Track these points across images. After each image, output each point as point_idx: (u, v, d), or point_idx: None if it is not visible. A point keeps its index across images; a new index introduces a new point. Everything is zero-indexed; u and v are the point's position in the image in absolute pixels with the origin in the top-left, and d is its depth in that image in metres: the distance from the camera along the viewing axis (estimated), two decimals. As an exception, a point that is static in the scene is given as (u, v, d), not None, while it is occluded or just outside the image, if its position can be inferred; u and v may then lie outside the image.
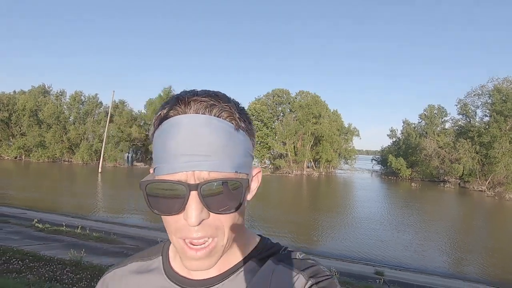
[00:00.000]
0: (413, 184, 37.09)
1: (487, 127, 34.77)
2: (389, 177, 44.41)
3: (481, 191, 32.64)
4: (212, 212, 0.41)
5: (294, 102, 49.53)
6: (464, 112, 39.49)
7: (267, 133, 48.65)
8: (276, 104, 51.93)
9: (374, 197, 26.17)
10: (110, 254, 7.36)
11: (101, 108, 47.48)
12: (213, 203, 0.40)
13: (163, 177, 0.41)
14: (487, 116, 36.19)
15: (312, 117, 44.04)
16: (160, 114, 0.43)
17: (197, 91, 0.44)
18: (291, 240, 12.67)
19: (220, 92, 0.46)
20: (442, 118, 49.62)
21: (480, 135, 34.79)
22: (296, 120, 44.49)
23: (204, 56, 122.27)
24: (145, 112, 49.11)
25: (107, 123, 38.41)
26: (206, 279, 0.48)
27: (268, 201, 22.41)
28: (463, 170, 35.43)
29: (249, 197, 0.49)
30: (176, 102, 0.42)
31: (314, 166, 47.84)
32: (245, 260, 0.50)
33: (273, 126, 49.71)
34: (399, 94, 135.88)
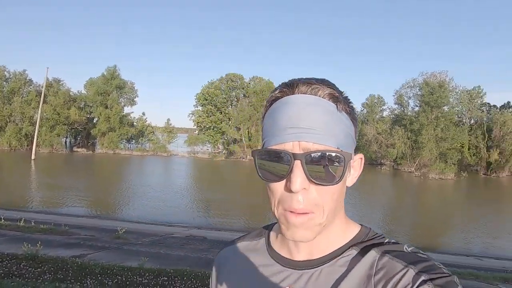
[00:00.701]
0: (356, 167, 40.83)
1: (417, 116, 39.48)
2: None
3: (410, 172, 37.45)
4: (313, 183, 0.44)
5: (248, 87, 49.71)
6: (399, 102, 44.20)
7: (221, 118, 48.32)
8: (229, 89, 51.47)
9: None
10: (66, 246, 6.86)
11: (31, 87, 41.69)
12: (315, 174, 0.43)
13: (271, 147, 0.45)
14: (417, 106, 41.00)
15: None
16: (272, 96, 0.49)
17: (304, 78, 0.49)
18: (247, 222, 13.24)
19: (326, 79, 0.49)
20: (381, 107, 54.72)
21: (411, 123, 39.44)
22: (251, 106, 44.88)
23: (151, 33, 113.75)
24: (85, 93, 44.58)
25: (40, 104, 34.07)
26: (306, 260, 0.50)
27: (224, 185, 22.70)
28: (397, 154, 40.02)
29: (349, 182, 0.51)
30: (285, 86, 0.48)
31: (267, 151, 49.15)
32: (346, 246, 0.51)
33: (227, 111, 49.47)
34: (349, 85, 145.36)
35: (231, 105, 51.24)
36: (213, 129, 49.20)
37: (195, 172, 30.21)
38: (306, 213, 0.44)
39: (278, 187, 0.45)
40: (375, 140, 44.69)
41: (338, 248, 0.50)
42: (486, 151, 39.46)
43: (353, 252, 0.50)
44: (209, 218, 14.04)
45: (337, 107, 0.46)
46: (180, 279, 4.53)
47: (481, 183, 34.26)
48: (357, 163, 0.52)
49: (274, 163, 0.45)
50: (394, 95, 45.01)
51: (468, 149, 40.22)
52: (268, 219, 14.37)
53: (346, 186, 0.50)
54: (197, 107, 50.52)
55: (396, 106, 45.52)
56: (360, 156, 0.52)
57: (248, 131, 45.54)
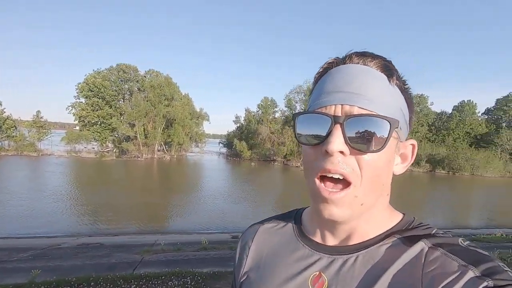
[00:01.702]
0: (252, 163, 43.95)
1: (302, 118, 45.89)
2: (234, 158, 50.24)
3: (297, 166, 43.06)
4: (351, 148, 0.40)
5: (144, 81, 46.11)
6: (289, 105, 50.14)
7: (111, 113, 43.13)
8: (121, 81, 46.47)
9: (220, 176, 29.32)
10: None
11: None
12: (355, 139, 0.40)
13: (314, 111, 0.43)
14: (302, 109, 47.52)
15: (164, 99, 42.72)
16: (322, 67, 0.47)
17: (360, 50, 0.46)
18: (140, 222, 12.65)
19: (382, 56, 0.46)
20: (273, 109, 60.47)
21: (298, 124, 45.55)
22: (147, 101, 41.80)
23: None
24: None
25: None
26: (340, 246, 0.46)
27: (115, 187, 20.58)
28: (287, 151, 45.31)
29: (397, 170, 0.47)
30: (338, 58, 0.46)
31: (165, 149, 46.94)
32: (388, 233, 0.46)
33: (118, 106, 44.54)
34: (245, 90, 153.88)
35: (123, 99, 46.33)
36: (100, 124, 43.33)
37: (78, 175, 25.98)
38: (340, 180, 0.41)
39: (314, 151, 0.43)
40: (269, 138, 49.22)
41: (379, 235, 0.46)
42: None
43: (396, 240, 0.44)
44: (101, 224, 12.55)
45: (389, 79, 0.44)
46: (87, 285, 4.10)
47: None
48: (408, 150, 0.47)
49: (314, 127, 0.42)
50: (284, 99, 50.69)
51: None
52: (166, 217, 14.14)
53: (395, 174, 0.46)
54: (79, 98, 43.43)
55: (286, 108, 51.42)
56: (411, 142, 0.47)
57: (144, 128, 42.27)
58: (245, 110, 60.81)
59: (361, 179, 0.41)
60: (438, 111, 58.83)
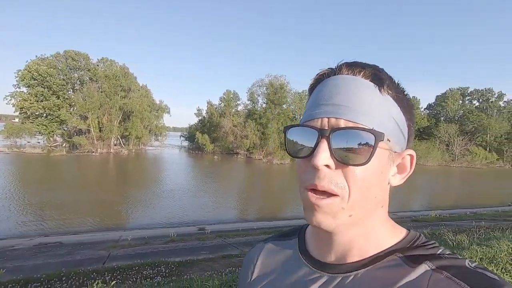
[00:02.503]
0: (215, 156, 43.84)
1: (264, 111, 46.59)
2: (196, 152, 49.54)
3: (260, 159, 44.03)
4: (337, 161, 0.40)
5: (96, 70, 43.04)
6: (251, 99, 50.58)
7: (58, 104, 39.68)
8: (70, 69, 42.82)
9: (182, 170, 28.88)
10: None
11: None
12: (341, 152, 0.40)
13: (302, 124, 0.43)
14: (265, 103, 48.29)
15: (121, 90, 40.42)
16: (314, 79, 0.47)
17: (352, 61, 0.45)
18: (100, 220, 12.27)
19: (376, 65, 0.45)
20: (236, 102, 60.48)
21: (260, 117, 46.23)
22: (102, 92, 39.19)
23: None
24: None
25: None
26: (339, 264, 0.45)
27: (67, 184, 19.33)
28: (250, 144, 45.90)
29: (394, 182, 0.45)
30: (329, 69, 0.46)
31: (122, 143, 44.59)
32: (388, 251, 0.43)
33: (67, 96, 41.11)
34: (207, 81, 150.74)
35: (72, 89, 42.82)
36: (46, 117, 39.64)
37: (23, 172, 23.65)
38: (326, 192, 0.41)
39: (304, 164, 0.43)
40: (232, 132, 49.33)
41: (378, 253, 0.43)
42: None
43: (398, 260, 0.42)
44: (56, 222, 11.84)
45: (379, 89, 0.43)
46: (59, 280, 4.04)
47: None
48: (406, 161, 0.45)
49: (302, 140, 0.43)
50: (247, 92, 51.03)
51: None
52: (124, 214, 13.79)
53: (392, 185, 0.45)
54: (20, 87, 39.16)
55: (249, 102, 51.82)
56: (409, 152, 0.45)
57: (98, 121, 39.63)
58: (207, 103, 59.98)
59: (348, 192, 0.41)
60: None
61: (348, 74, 0.43)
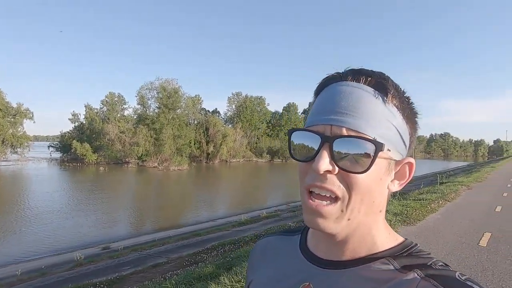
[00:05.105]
0: (101, 168, 38.48)
1: (158, 116, 44.20)
2: (74, 163, 42.15)
3: (155, 167, 41.46)
4: (338, 167, 0.41)
5: None
6: (142, 102, 47.04)
7: None
8: None
9: (54, 187, 23.30)
10: None
11: None
12: (341, 158, 0.41)
13: (305, 129, 0.44)
14: (158, 107, 45.81)
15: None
16: (320, 83, 0.48)
17: (359, 68, 0.46)
18: None
19: (382, 72, 0.46)
20: (122, 106, 54.89)
21: (153, 122, 43.58)
22: None
23: None
24: None
25: None
26: (332, 261, 0.47)
27: None
28: (142, 152, 42.57)
29: (394, 188, 0.46)
30: (335, 74, 0.46)
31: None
32: (379, 255, 0.45)
33: None
34: (83, 80, 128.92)
35: None
36: None
37: None
38: (326, 197, 0.42)
39: (305, 167, 0.44)
40: (119, 139, 44.50)
41: (369, 255, 0.45)
42: (206, 145, 52.38)
43: (388, 264, 0.43)
44: None
45: (384, 98, 0.43)
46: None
47: (204, 169, 45.06)
48: (405, 169, 0.46)
49: (306, 143, 0.44)
50: (136, 96, 47.18)
51: (194, 144, 51.14)
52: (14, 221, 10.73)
53: (390, 191, 0.46)
54: None
55: (139, 106, 47.99)
56: (408, 160, 0.46)
57: None
58: (85, 106, 52.07)
59: (348, 196, 0.42)
60: (273, 110, 71.88)
61: (353, 81, 0.44)
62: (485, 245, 5.33)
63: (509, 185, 14.38)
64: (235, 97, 66.34)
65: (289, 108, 71.51)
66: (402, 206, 8.20)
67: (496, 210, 8.44)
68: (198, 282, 3.74)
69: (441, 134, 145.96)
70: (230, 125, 62.09)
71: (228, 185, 28.76)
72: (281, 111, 72.43)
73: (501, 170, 26.42)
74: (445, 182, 15.27)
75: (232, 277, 3.45)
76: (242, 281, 3.35)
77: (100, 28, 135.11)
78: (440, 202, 9.16)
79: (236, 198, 21.41)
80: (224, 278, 3.42)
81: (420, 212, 7.67)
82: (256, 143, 63.35)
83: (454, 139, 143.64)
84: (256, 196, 21.99)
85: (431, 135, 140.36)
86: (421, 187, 13.32)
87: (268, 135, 67.37)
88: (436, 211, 8.03)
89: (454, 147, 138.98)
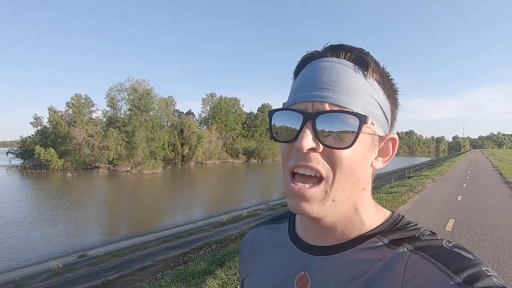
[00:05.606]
0: (68, 174, 36.35)
1: (129, 118, 42.62)
2: (37, 170, 39.46)
3: (128, 171, 39.99)
4: (321, 143, 0.40)
5: None
6: (112, 105, 45.13)
7: None
8: None
9: (14, 197, 21.31)
10: None
11: None
12: (325, 135, 0.40)
13: (286, 108, 0.43)
14: (129, 110, 44.16)
15: None
16: (300, 61, 0.47)
17: (338, 43, 0.45)
18: None
19: (362, 48, 0.45)
20: (89, 108, 52.22)
21: (125, 125, 41.96)
22: None
23: None
24: None
25: None
26: (323, 246, 0.46)
27: None
28: (113, 155, 40.85)
29: (378, 165, 0.46)
30: (314, 52, 0.45)
31: None
32: (369, 234, 0.44)
33: None
34: (43, 81, 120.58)
35: None
36: None
37: None
38: (312, 177, 0.41)
39: (288, 148, 0.43)
40: (87, 143, 42.39)
41: (360, 235, 0.44)
42: (181, 147, 51.39)
43: (378, 242, 0.43)
44: None
45: (364, 73, 0.43)
46: None
47: (180, 172, 44.21)
48: (388, 145, 0.46)
49: (287, 123, 0.43)
50: (106, 98, 45.20)
51: (169, 146, 49.99)
52: None
53: (375, 168, 0.46)
54: None
55: (109, 108, 46.02)
56: (391, 136, 0.46)
57: None
58: (49, 109, 48.87)
59: (333, 175, 0.41)
60: (248, 111, 72.19)
61: (333, 57, 0.43)
62: (450, 230, 5.90)
63: (467, 177, 15.77)
64: (209, 98, 65.78)
65: (264, 109, 72.20)
66: (376, 199, 8.68)
67: (457, 199, 9.27)
68: (193, 278, 3.83)
69: (407, 132, 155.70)
70: (205, 127, 61.44)
71: (205, 187, 28.49)
72: (256, 112, 72.96)
73: (460, 164, 28.81)
74: (413, 176, 16.46)
75: (227, 271, 3.58)
76: (238, 274, 3.49)
77: (66, 25, 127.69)
78: (410, 194, 9.88)
79: (214, 200, 21.28)
80: (220, 272, 3.53)
81: (393, 204, 8.24)
82: (231, 144, 63.22)
83: (418, 136, 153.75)
84: (234, 197, 22.00)
85: (397, 133, 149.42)
86: (392, 181, 14.25)
87: (243, 136, 67.53)
88: (406, 203, 8.66)
89: (418, 144, 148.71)
